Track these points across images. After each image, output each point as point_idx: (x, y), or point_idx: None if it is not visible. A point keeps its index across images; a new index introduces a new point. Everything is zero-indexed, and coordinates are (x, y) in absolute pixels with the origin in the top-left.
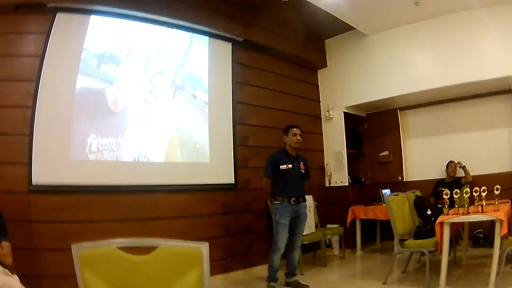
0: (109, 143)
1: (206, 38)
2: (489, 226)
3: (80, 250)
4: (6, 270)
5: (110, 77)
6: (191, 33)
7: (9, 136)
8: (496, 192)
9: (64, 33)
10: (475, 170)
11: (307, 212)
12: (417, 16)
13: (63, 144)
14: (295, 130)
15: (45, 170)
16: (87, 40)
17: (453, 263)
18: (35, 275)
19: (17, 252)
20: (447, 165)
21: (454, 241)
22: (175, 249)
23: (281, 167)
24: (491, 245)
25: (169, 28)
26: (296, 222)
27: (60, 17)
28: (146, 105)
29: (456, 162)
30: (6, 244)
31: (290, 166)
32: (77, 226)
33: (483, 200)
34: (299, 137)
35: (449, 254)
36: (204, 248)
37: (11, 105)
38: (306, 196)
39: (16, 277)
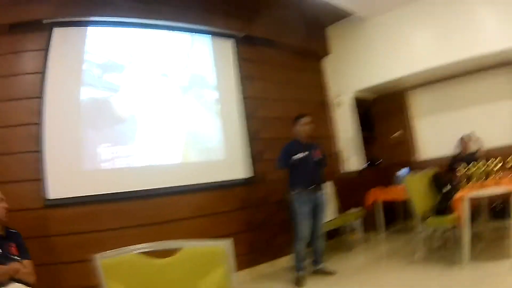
0: (120, 151)
1: (208, 37)
2: (507, 198)
3: (103, 260)
4: None
5: (114, 86)
6: (192, 33)
7: (20, 154)
8: (510, 164)
9: (63, 47)
10: (487, 143)
11: (326, 199)
12: None
13: (75, 156)
14: (304, 119)
15: (59, 184)
16: (87, 51)
17: (475, 237)
18: None
19: (37, 268)
20: (460, 140)
21: (474, 215)
22: (198, 249)
23: (295, 156)
24: (510, 216)
25: (170, 31)
26: (316, 210)
27: (57, 32)
28: (154, 109)
29: (469, 134)
30: (28, 263)
31: (304, 154)
32: (96, 236)
33: (499, 172)
34: (309, 126)
35: (470, 229)
36: (227, 245)
37: (18, 123)
38: (324, 183)
39: None
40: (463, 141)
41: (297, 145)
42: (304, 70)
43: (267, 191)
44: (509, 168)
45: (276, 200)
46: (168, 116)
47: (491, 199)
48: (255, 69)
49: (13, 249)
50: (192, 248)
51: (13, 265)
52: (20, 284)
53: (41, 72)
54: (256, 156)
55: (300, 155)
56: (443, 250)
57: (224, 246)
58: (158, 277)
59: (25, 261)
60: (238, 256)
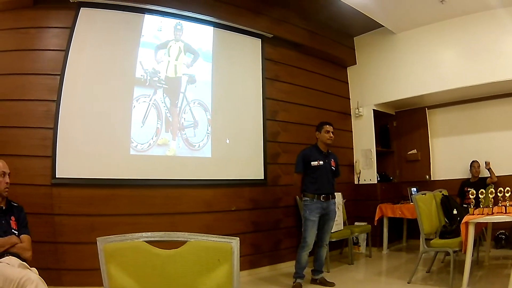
0: (134, 138)
1: (236, 34)
2: (511, 227)
3: (106, 244)
4: (25, 263)
5: (136, 72)
6: (220, 29)
7: (34, 129)
8: None
9: (88, 27)
10: (501, 170)
11: (336, 209)
12: (443, 15)
13: (88, 137)
14: (328, 127)
15: (69, 164)
16: (113, 34)
17: (476, 264)
18: (56, 269)
19: (39, 245)
20: (471, 165)
21: (478, 242)
22: (205, 244)
23: (312, 163)
24: None
25: (197, 24)
26: (325, 219)
27: (84, 12)
28: (174, 100)
29: (479, 161)
30: (26, 238)
31: (321, 162)
32: (101, 220)
33: (507, 201)
34: (332, 134)
35: (472, 255)
36: (234, 243)
37: (35, 98)
38: (335, 193)
39: (35, 270)
40: (474, 166)
41: (316, 152)
42: (328, 77)
43: (278, 194)
44: None
45: (286, 204)
46: (187, 110)
47: (496, 227)
48: (280, 71)
49: (13, 222)
50: (199, 242)
51: (10, 238)
52: (15, 258)
53: (64, 50)
54: (271, 159)
55: (317, 162)
56: (443, 273)
57: (231, 244)
58: (161, 268)
59: (23, 236)
60: (241, 256)
